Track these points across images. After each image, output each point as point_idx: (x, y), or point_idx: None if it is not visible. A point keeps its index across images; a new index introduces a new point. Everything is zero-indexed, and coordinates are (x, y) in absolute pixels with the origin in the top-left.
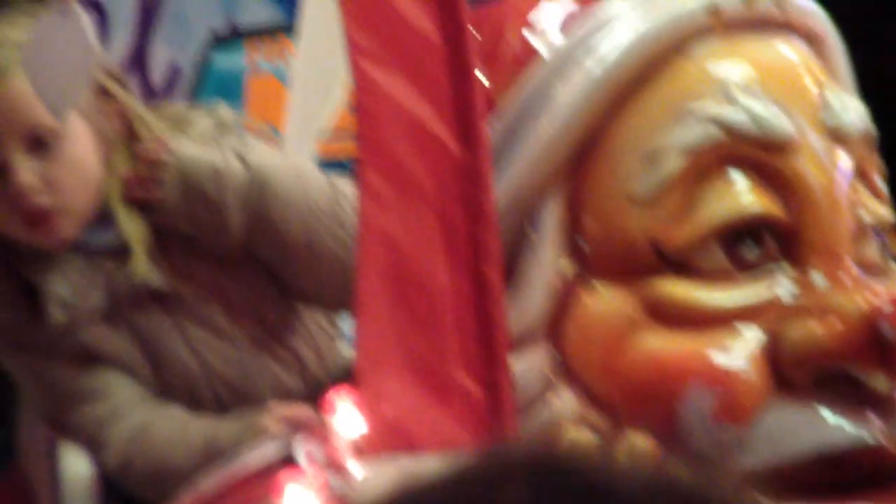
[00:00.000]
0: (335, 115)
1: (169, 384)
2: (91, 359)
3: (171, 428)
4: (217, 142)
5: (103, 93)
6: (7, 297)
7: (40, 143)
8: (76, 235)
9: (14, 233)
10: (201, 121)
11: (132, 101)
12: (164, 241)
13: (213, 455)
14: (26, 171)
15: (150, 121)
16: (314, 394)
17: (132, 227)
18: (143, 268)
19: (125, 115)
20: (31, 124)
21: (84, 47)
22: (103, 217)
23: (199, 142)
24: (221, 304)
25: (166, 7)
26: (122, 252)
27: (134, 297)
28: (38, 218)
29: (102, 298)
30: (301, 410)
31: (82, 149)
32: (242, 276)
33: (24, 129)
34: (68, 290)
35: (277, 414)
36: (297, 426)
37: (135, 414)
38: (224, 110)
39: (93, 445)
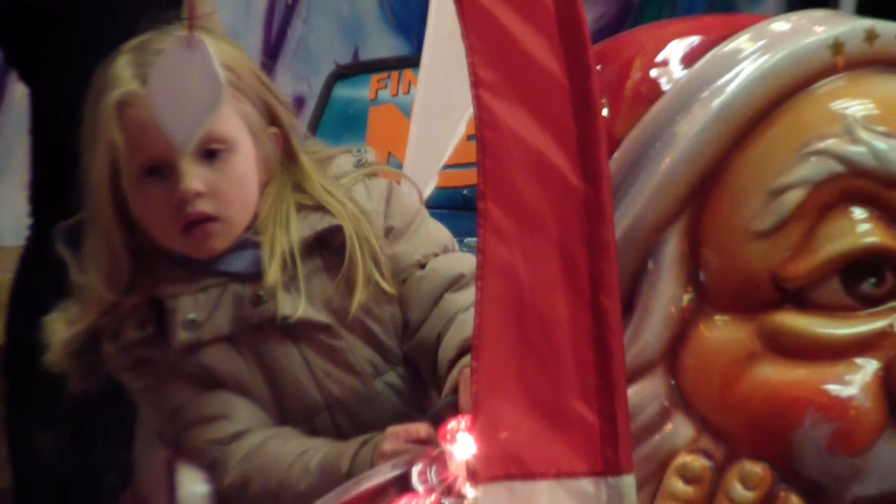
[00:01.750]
0: (457, 146)
1: (288, 410)
2: (213, 382)
3: (289, 449)
4: (359, 181)
5: (270, 115)
6: (136, 315)
7: (211, 153)
8: (223, 251)
9: (163, 238)
10: (343, 159)
11: (293, 129)
12: (306, 269)
13: (331, 477)
14: (193, 176)
15: (303, 156)
16: (432, 423)
17: (273, 253)
18: (276, 293)
19: (288, 145)
20: (206, 133)
21: (209, 76)
22: (244, 243)
23: (339, 179)
24: (356, 338)
25: (291, 41)
26: (253, 278)
27: (260, 324)
28: (196, 224)
29: (228, 322)
30: (420, 428)
31: (248, 167)
32: (369, 309)
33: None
34: (196, 311)
35: (396, 434)
36: (415, 442)
37: (254, 436)
38: (368, 152)
39: (211, 467)
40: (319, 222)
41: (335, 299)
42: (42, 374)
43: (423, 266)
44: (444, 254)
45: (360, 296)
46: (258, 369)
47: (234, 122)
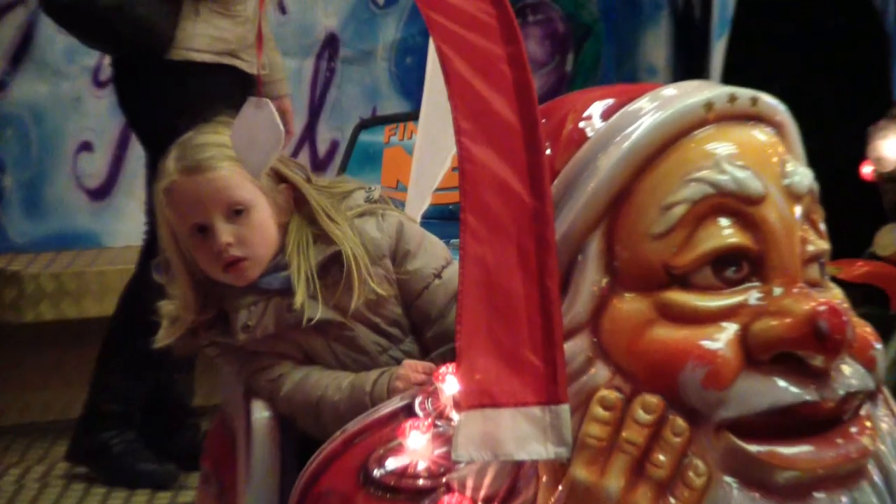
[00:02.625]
0: (444, 175)
1: None
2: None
3: (326, 375)
4: (370, 211)
5: (279, 176)
6: (211, 320)
7: (236, 212)
8: (258, 277)
9: (214, 275)
10: (356, 196)
11: (300, 181)
12: (322, 283)
13: (357, 393)
14: (225, 232)
15: (315, 196)
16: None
17: (299, 275)
18: (303, 304)
19: (297, 191)
20: (230, 200)
21: (273, 129)
22: (276, 266)
23: (353, 210)
24: (364, 328)
25: (329, 102)
26: (288, 291)
27: (296, 323)
28: (232, 265)
29: (272, 325)
30: (422, 366)
31: (265, 216)
32: (377, 307)
33: (225, 203)
34: (249, 319)
35: (409, 365)
36: (423, 375)
37: (298, 372)
38: (376, 190)
39: (270, 397)
40: (328, 249)
41: (342, 302)
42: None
43: (438, 276)
44: (448, 265)
45: (357, 298)
46: (298, 353)
47: (250, 188)
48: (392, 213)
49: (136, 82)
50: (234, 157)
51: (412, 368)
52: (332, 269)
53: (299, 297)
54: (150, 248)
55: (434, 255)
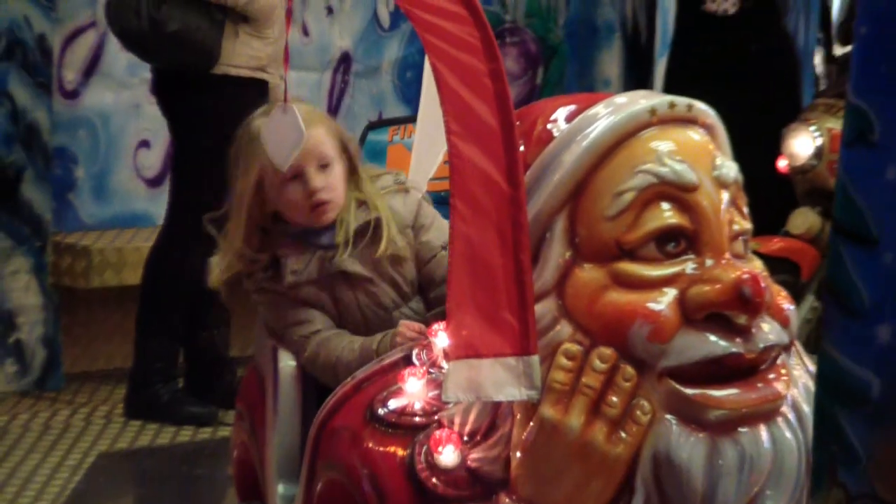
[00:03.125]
0: (438, 167)
1: (345, 326)
2: (305, 304)
3: (342, 338)
4: (397, 190)
5: (344, 148)
6: (263, 264)
7: (323, 166)
8: (320, 228)
9: (299, 216)
10: (386, 178)
11: (356, 153)
12: (358, 243)
13: (366, 353)
14: (317, 179)
15: (361, 171)
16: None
17: (343, 233)
18: (343, 259)
19: (352, 164)
20: (321, 155)
21: (296, 129)
22: (324, 227)
23: (384, 189)
24: (385, 284)
25: (344, 107)
26: (331, 247)
27: (335, 275)
28: (319, 206)
29: (316, 273)
30: (417, 325)
31: (341, 173)
32: (399, 269)
33: (317, 157)
34: (298, 265)
35: (406, 325)
36: (417, 333)
37: (324, 333)
38: (401, 174)
39: (298, 349)
40: (367, 214)
41: (373, 259)
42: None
43: (444, 248)
44: None
45: (384, 249)
46: (330, 300)
47: (333, 148)
48: (414, 193)
49: (184, 92)
50: (325, 121)
51: (408, 328)
52: (367, 233)
53: (340, 252)
54: (171, 226)
55: (442, 231)
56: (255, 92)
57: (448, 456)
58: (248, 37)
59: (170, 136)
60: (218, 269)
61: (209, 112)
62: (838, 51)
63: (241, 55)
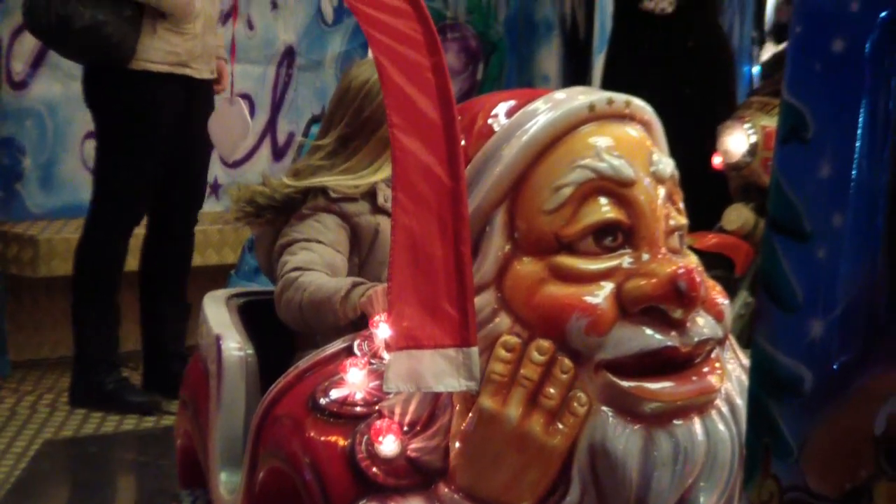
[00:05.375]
0: None
1: (372, 260)
2: (344, 219)
3: (324, 279)
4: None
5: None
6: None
7: None
8: None
9: None
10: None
11: None
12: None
13: (334, 294)
14: None
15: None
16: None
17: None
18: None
19: None
20: None
21: (243, 121)
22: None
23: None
24: None
25: (287, 100)
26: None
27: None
28: None
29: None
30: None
31: None
32: None
33: None
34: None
35: (379, 300)
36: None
37: (317, 273)
38: None
39: (281, 272)
40: None
41: None
42: None
43: None
44: None
45: None
46: (371, 226)
47: None
48: None
49: (103, 86)
50: None
51: (380, 305)
52: None
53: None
54: (95, 215)
55: None
56: (175, 86)
57: (388, 445)
58: (165, 32)
59: (94, 127)
60: (240, 202)
61: (128, 105)
62: (768, 51)
63: (158, 50)
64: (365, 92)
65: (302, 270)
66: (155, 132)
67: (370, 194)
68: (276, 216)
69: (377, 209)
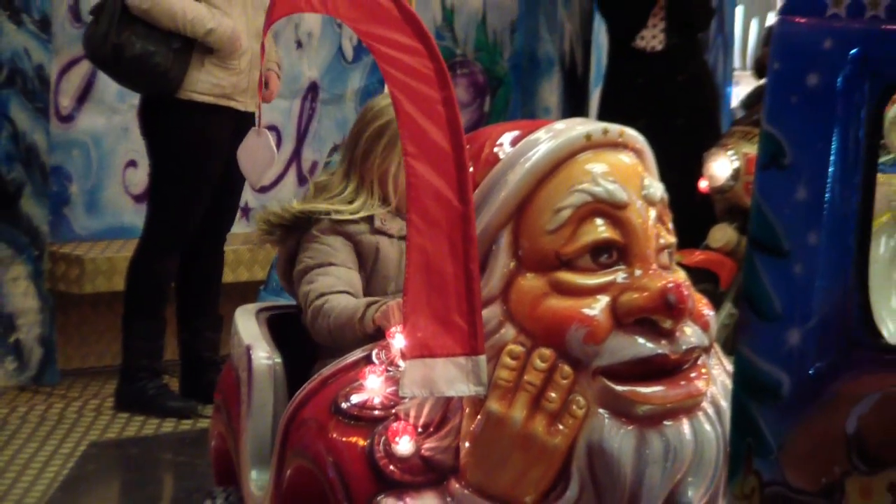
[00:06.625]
0: None
1: (377, 275)
2: (349, 240)
3: (344, 298)
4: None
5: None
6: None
7: None
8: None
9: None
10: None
11: None
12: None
13: (353, 313)
14: None
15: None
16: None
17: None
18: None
19: None
20: None
21: (268, 151)
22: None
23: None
24: None
25: (311, 131)
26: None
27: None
28: None
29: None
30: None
31: None
32: None
33: None
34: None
35: (393, 315)
36: (397, 325)
37: (338, 296)
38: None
39: (308, 295)
40: None
41: None
42: None
43: None
44: None
45: None
46: (372, 247)
47: None
48: None
49: (156, 116)
50: None
51: (394, 319)
52: None
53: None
54: (147, 238)
55: None
56: (222, 118)
57: (404, 445)
58: (212, 66)
59: (147, 155)
60: (265, 226)
61: (178, 134)
62: (749, 86)
63: (204, 83)
64: (356, 132)
65: (325, 296)
66: (206, 161)
67: (368, 218)
68: (286, 234)
69: (375, 230)
